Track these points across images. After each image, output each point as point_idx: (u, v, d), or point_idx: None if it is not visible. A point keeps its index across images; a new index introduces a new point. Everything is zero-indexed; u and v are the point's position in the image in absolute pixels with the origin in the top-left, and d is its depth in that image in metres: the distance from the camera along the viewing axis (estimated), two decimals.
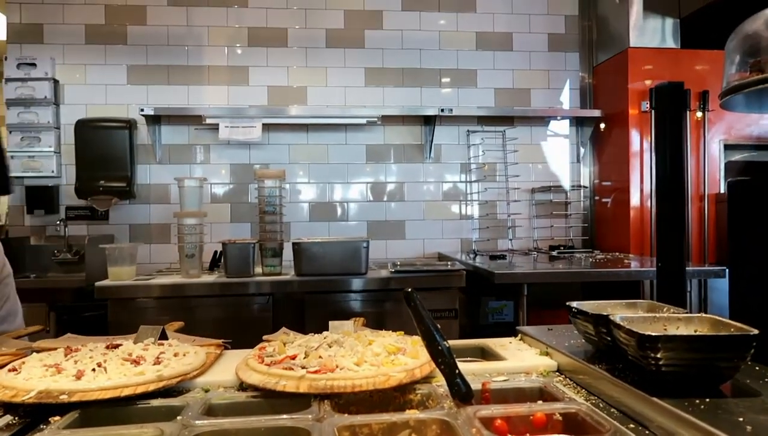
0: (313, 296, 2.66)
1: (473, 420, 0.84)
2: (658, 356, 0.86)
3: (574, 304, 1.17)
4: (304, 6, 3.54)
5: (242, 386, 1.07)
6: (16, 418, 0.95)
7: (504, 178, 3.64)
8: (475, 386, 0.98)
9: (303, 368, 1.03)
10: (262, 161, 3.50)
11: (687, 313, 1.06)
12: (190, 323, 1.70)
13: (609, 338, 1.03)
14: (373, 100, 3.59)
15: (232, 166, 3.49)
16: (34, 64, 3.29)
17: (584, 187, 3.73)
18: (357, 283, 2.67)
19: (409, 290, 0.95)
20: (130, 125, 3.32)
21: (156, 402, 1.00)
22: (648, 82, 3.25)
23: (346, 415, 0.91)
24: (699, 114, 3.21)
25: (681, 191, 1.37)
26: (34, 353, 1.21)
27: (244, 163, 3.49)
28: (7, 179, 1.75)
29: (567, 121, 3.75)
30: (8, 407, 0.97)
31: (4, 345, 1.37)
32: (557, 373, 1.16)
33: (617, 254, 3.29)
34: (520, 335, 1.42)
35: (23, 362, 1.11)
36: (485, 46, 3.68)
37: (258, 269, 2.77)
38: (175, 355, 1.16)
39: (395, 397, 1.02)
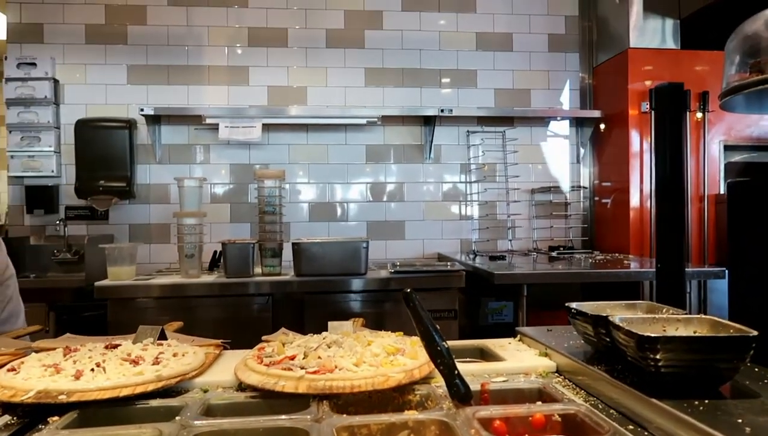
0: (313, 297, 2.66)
1: (472, 421, 0.84)
2: (658, 357, 0.86)
3: (574, 305, 1.17)
4: (304, 6, 3.54)
5: (241, 387, 1.07)
6: (15, 418, 0.95)
7: (504, 178, 3.64)
8: (474, 386, 0.98)
9: (302, 368, 1.03)
10: (262, 161, 3.50)
11: (686, 314, 1.06)
12: (190, 323, 1.71)
13: (608, 339, 1.03)
14: (373, 101, 3.59)
15: (232, 166, 3.49)
16: (34, 64, 3.29)
17: (584, 187, 3.72)
18: (356, 283, 2.67)
19: (409, 290, 0.95)
20: (130, 125, 3.32)
21: (155, 402, 1.00)
22: (648, 83, 3.25)
23: (344, 415, 0.91)
24: (699, 115, 3.21)
25: (681, 192, 1.37)
26: (33, 353, 1.21)
27: (243, 164, 3.49)
28: None
29: (567, 122, 3.75)
30: (7, 407, 0.97)
31: (3, 345, 1.36)
32: (556, 374, 1.16)
33: (617, 254, 3.29)
34: (519, 336, 1.42)
35: (22, 362, 1.11)
36: (485, 47, 3.68)
37: (257, 269, 2.77)
38: (174, 355, 1.16)
39: (394, 398, 1.02)
